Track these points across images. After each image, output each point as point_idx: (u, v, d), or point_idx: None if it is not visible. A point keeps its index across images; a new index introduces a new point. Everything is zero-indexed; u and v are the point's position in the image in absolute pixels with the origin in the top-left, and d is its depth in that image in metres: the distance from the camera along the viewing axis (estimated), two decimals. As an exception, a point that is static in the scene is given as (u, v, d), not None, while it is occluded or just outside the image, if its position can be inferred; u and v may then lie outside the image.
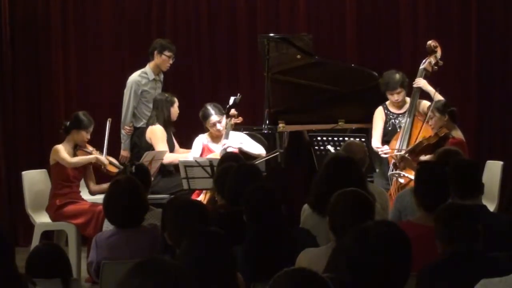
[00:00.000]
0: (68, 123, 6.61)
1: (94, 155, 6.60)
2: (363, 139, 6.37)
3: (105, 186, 6.61)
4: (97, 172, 6.82)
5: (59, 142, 6.67)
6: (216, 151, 6.81)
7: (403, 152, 6.56)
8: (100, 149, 6.68)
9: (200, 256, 2.86)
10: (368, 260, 2.57)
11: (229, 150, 6.65)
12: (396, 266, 2.59)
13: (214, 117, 6.88)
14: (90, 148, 6.67)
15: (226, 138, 6.80)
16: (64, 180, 6.57)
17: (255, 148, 6.90)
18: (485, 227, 3.41)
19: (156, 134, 7.10)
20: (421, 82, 7.00)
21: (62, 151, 6.52)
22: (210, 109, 6.91)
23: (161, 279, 2.09)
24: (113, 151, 7.03)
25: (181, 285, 2.11)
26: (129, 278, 2.10)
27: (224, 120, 6.90)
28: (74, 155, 6.59)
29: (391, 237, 2.63)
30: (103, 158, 6.64)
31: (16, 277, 3.07)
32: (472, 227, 3.38)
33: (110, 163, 6.71)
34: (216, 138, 6.93)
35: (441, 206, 3.59)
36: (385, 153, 6.84)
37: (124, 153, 7.50)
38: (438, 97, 6.92)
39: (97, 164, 6.65)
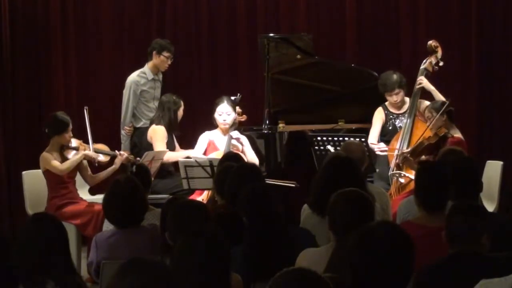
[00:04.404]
0: (47, 129, 6.58)
1: (82, 152, 6.58)
2: (362, 139, 6.37)
3: (101, 175, 6.70)
4: (90, 165, 6.80)
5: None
6: (220, 149, 6.81)
7: (403, 152, 6.56)
8: (85, 138, 6.67)
9: (195, 256, 2.85)
10: (370, 261, 2.57)
11: (233, 141, 6.70)
12: (399, 267, 2.59)
13: (225, 106, 6.91)
14: (76, 144, 6.65)
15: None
16: (59, 183, 6.54)
17: (252, 157, 6.89)
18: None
19: (157, 134, 7.11)
20: (423, 81, 6.99)
21: (51, 160, 6.48)
22: (225, 99, 6.96)
23: (146, 279, 2.09)
24: (98, 138, 6.97)
25: (165, 285, 2.11)
26: (117, 280, 2.10)
27: (233, 115, 6.91)
28: (62, 155, 6.57)
29: (394, 238, 2.64)
30: (91, 152, 6.63)
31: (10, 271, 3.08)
32: (476, 230, 3.37)
33: (97, 151, 6.70)
34: (222, 133, 6.93)
35: (451, 206, 3.56)
36: (382, 151, 6.84)
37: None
38: (437, 95, 6.92)
39: (88, 158, 6.65)
